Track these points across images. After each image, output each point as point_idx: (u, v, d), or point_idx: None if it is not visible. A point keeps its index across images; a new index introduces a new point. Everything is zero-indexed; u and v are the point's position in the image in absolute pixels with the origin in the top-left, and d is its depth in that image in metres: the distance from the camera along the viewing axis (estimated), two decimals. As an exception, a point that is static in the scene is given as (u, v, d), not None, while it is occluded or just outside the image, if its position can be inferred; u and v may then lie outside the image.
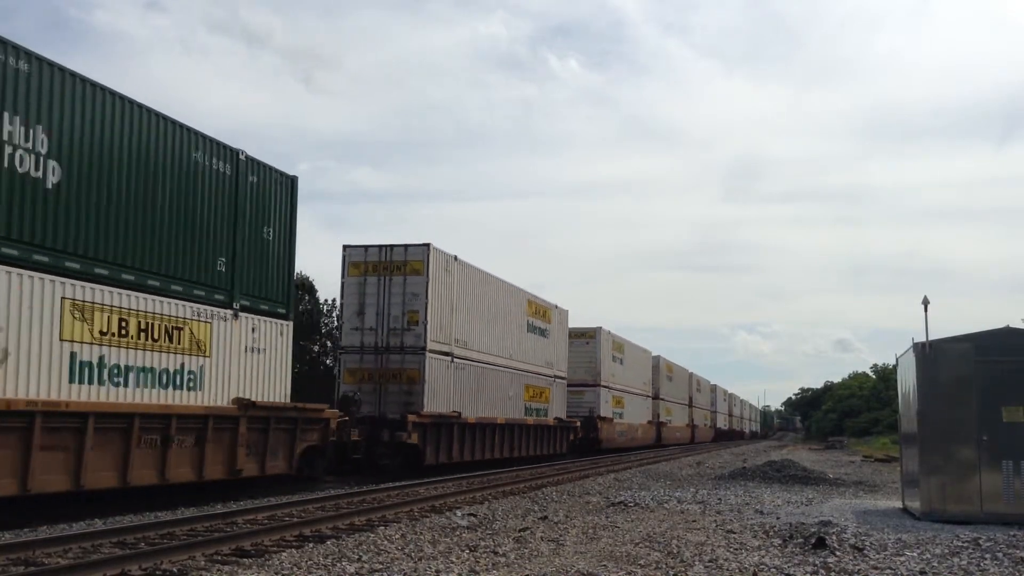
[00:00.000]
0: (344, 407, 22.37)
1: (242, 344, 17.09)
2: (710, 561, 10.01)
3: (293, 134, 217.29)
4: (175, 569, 9.28)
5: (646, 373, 53.90)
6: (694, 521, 14.05)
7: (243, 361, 17.08)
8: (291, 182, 18.85)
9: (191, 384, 15.67)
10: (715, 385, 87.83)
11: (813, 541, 11.23)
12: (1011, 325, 14.72)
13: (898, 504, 17.20)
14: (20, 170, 12.72)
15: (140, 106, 15.00)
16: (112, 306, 14.13)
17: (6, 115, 12.48)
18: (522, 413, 31.27)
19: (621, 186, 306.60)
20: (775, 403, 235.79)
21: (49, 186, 13.20)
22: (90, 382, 13.64)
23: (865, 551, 10.83)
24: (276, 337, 18.19)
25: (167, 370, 15.19)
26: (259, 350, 17.59)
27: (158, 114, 15.40)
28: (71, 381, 13.32)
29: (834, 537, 11.77)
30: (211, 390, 16.16)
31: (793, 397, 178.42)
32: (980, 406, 14.10)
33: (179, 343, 15.47)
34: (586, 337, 42.25)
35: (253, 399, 17.12)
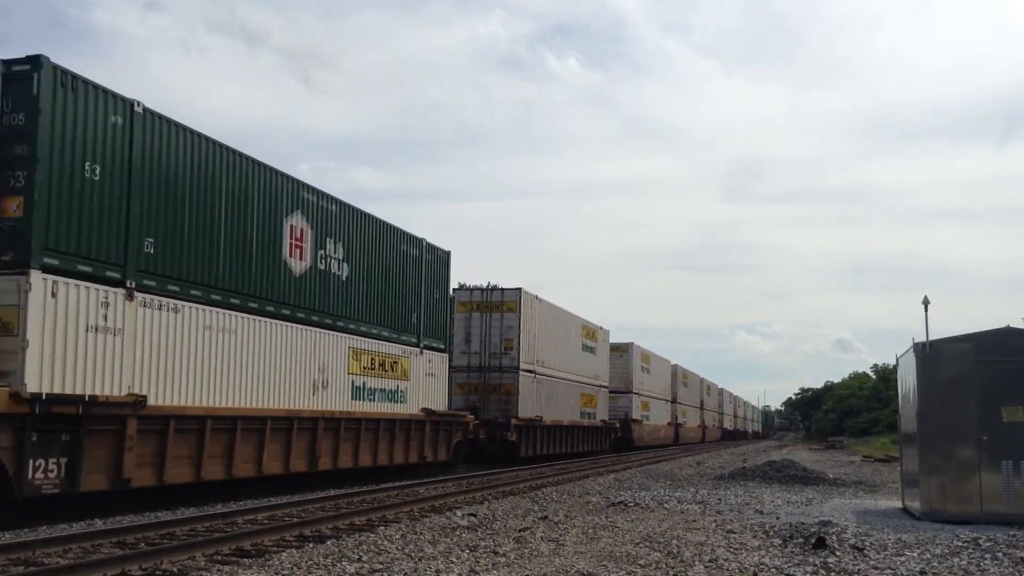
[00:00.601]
0: (474, 413, 29.17)
1: (424, 371, 24.59)
2: (710, 561, 10.00)
3: (293, 134, 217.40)
4: (175, 569, 9.28)
5: (666, 380, 60.92)
6: (694, 521, 14.05)
7: (425, 383, 24.57)
8: (447, 256, 26.75)
9: (401, 399, 23.23)
10: (722, 389, 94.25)
11: (813, 541, 11.23)
12: (1011, 325, 14.70)
13: (898, 504, 17.20)
14: (332, 271, 20.25)
15: (384, 223, 22.78)
16: (368, 350, 21.68)
17: (328, 239, 20.09)
18: (579, 416, 38.49)
19: (621, 186, 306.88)
20: (775, 403, 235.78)
21: (343, 279, 20.69)
22: (360, 399, 21.09)
23: (865, 551, 10.83)
24: (440, 365, 25.81)
25: (391, 390, 22.72)
26: (433, 375, 25.12)
27: (392, 226, 23.19)
28: (352, 399, 20.75)
29: (834, 537, 11.76)
30: (410, 403, 23.66)
31: (793, 397, 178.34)
32: (980, 406, 14.08)
33: (396, 372, 23.09)
34: (620, 351, 48.66)
35: (432, 408, 24.63)
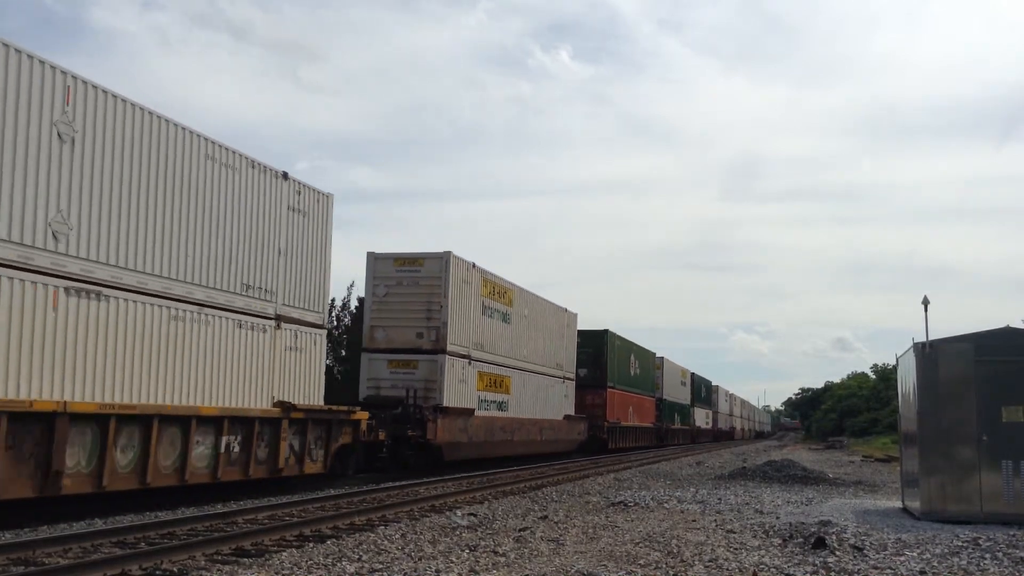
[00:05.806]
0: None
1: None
2: (710, 561, 10.01)
3: (290, 133, 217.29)
4: (175, 569, 9.29)
5: (740, 406, 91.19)
6: (694, 521, 14.05)
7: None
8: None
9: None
10: (734, 395, 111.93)
11: (813, 541, 11.23)
12: (1011, 325, 14.71)
13: (898, 504, 17.20)
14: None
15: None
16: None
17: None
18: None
19: (618, 185, 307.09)
20: (775, 403, 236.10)
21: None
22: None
23: (865, 551, 10.83)
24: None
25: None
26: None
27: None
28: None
29: (834, 537, 11.77)
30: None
31: (793, 397, 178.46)
32: (980, 406, 14.08)
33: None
34: (733, 398, 70.87)
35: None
